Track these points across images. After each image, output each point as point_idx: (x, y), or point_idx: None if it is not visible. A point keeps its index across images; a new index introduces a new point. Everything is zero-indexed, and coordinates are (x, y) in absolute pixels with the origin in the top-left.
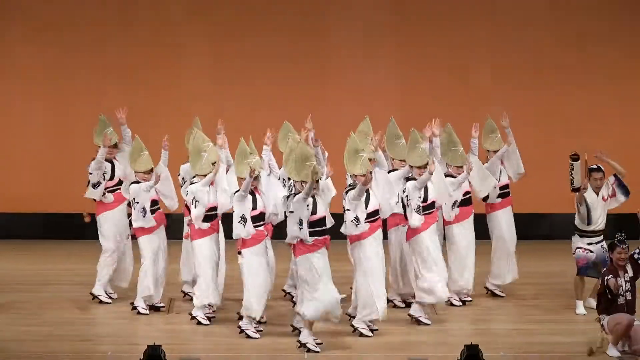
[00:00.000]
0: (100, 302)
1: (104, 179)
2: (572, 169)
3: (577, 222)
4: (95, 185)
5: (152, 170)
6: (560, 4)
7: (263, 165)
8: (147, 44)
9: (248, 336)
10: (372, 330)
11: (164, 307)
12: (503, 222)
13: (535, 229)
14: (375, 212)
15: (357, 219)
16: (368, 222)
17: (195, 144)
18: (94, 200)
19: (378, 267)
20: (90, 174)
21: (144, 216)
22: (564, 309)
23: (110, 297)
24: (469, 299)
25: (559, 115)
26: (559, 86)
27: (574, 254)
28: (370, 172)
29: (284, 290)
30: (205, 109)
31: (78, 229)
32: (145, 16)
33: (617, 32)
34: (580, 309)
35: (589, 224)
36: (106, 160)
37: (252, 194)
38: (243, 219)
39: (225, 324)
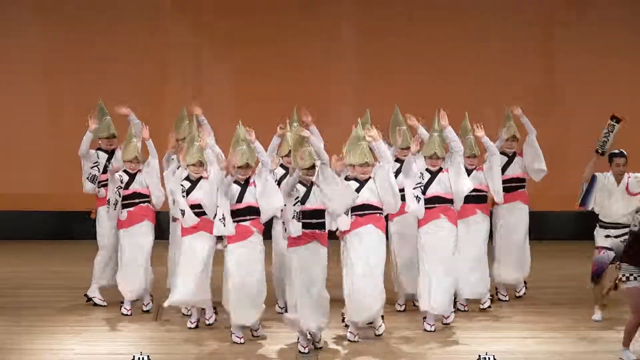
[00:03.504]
0: (95, 304)
1: (99, 172)
2: (612, 131)
3: (596, 210)
4: (91, 179)
5: (136, 158)
6: None
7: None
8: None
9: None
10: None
11: (149, 310)
12: (506, 217)
13: (553, 228)
14: (366, 207)
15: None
16: (354, 214)
17: (193, 136)
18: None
19: (363, 265)
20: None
21: (113, 208)
22: (584, 315)
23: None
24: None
25: (572, 108)
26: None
27: (596, 249)
28: (367, 164)
29: None
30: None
31: (62, 228)
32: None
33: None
34: (597, 315)
35: (582, 204)
36: (104, 151)
37: (244, 185)
38: (222, 218)
39: (217, 331)
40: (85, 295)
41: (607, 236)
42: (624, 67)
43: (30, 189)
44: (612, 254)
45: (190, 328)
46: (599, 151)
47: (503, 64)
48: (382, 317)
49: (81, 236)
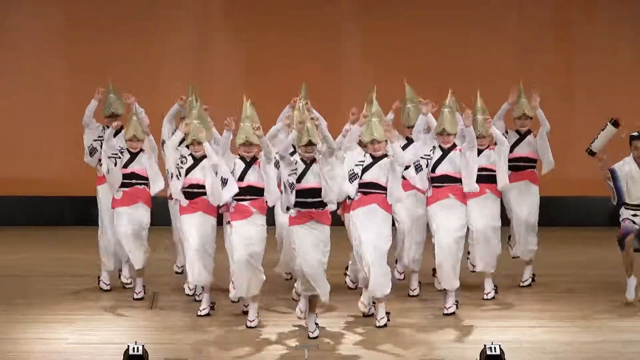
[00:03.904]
0: (100, 289)
1: (101, 147)
2: (602, 129)
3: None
4: (91, 151)
5: (135, 137)
6: None
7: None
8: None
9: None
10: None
11: (142, 298)
12: (514, 197)
13: (566, 214)
14: (372, 185)
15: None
16: (359, 191)
17: (193, 113)
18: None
19: (365, 244)
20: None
21: (113, 165)
22: (593, 304)
23: (109, 286)
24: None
25: (585, 89)
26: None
27: (621, 221)
28: (377, 141)
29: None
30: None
31: (60, 214)
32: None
33: None
34: (629, 291)
35: (618, 201)
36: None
37: (249, 163)
38: (223, 181)
39: (214, 318)
40: (99, 277)
41: (635, 215)
42: (624, 67)
43: (24, 174)
44: (636, 227)
45: (199, 315)
46: (588, 150)
47: (504, 64)
48: (388, 313)
49: (77, 222)
